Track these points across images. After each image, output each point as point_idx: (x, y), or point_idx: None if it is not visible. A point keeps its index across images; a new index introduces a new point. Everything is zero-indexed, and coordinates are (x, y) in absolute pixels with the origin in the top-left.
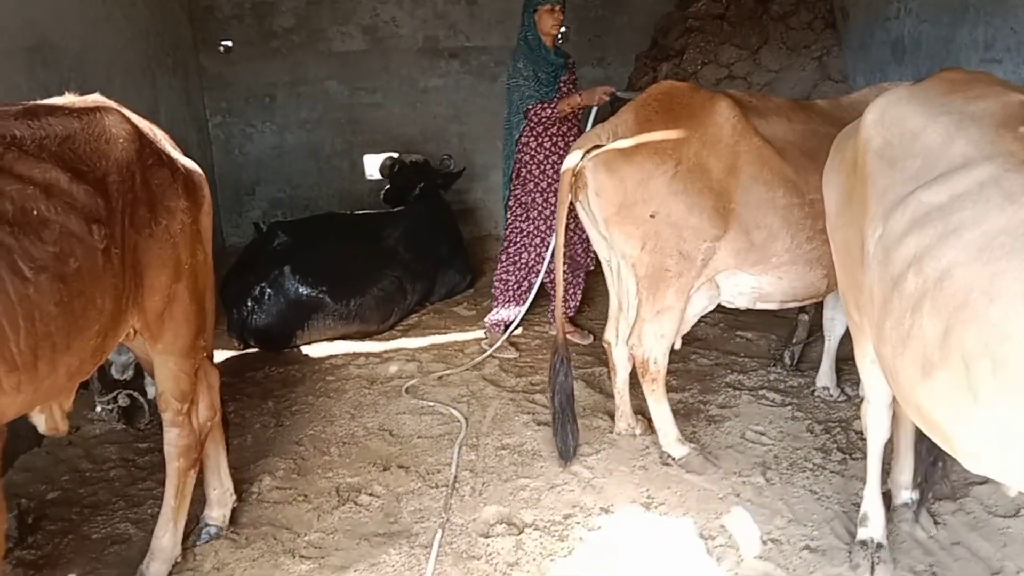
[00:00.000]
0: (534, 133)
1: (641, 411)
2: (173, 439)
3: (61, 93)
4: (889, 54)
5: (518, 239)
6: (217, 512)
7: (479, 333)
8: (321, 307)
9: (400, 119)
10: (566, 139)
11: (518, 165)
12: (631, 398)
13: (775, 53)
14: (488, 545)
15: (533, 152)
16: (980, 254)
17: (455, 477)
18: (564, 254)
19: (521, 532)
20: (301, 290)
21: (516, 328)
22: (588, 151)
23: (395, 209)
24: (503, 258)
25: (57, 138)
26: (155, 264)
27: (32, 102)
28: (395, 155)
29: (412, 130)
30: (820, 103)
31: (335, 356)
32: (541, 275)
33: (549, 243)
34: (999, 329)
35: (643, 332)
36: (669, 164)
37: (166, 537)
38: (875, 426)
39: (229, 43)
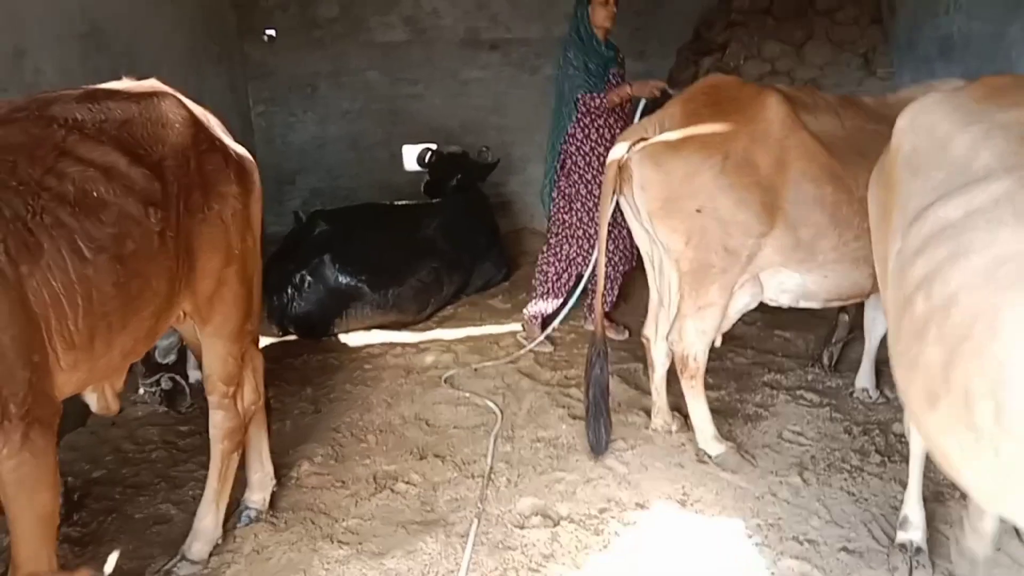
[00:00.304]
0: (581, 124)
1: (677, 408)
2: (219, 421)
3: (113, 79)
4: (937, 51)
5: (560, 231)
6: (257, 495)
7: (514, 326)
8: (360, 296)
9: (440, 111)
10: (613, 131)
11: (564, 156)
12: (668, 395)
13: (820, 49)
14: (524, 536)
15: (580, 143)
16: (987, 281)
17: (491, 468)
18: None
19: (557, 524)
20: (340, 279)
21: (556, 322)
22: (634, 143)
23: (434, 200)
24: (544, 250)
25: (116, 122)
26: (207, 248)
27: (92, 86)
28: (433, 146)
29: (452, 122)
30: (868, 99)
31: (372, 345)
32: (587, 270)
33: (592, 236)
34: (1002, 369)
35: (684, 328)
36: (716, 158)
37: (208, 518)
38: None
39: (273, 32)
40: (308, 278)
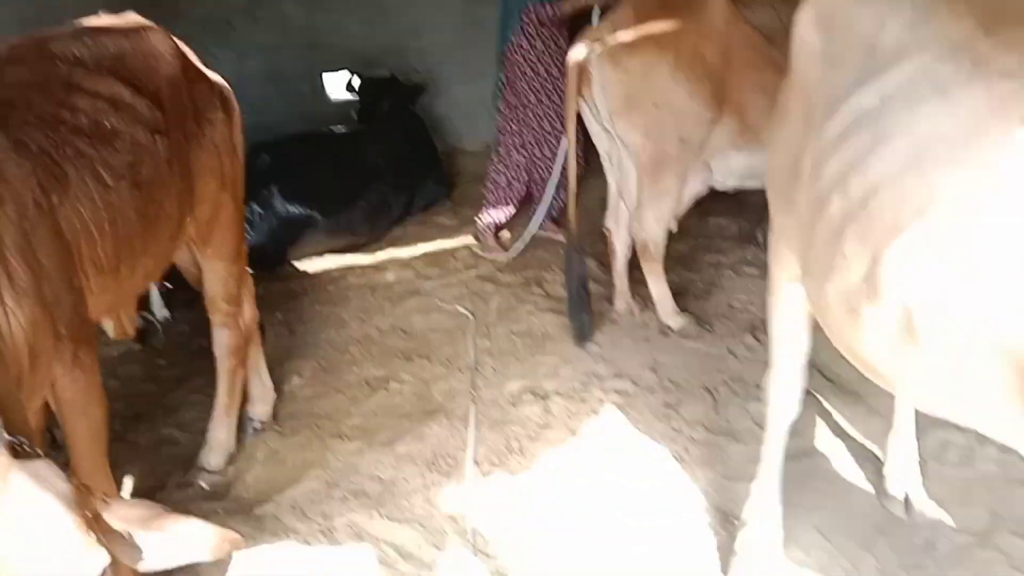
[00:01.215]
0: (526, 34)
1: (635, 292)
2: (223, 340)
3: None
4: None
5: (509, 140)
6: (260, 408)
7: (465, 239)
8: (311, 223)
9: (359, 38)
10: (558, 42)
11: (509, 66)
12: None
13: None
14: (518, 412)
15: (526, 52)
16: (911, 166)
17: (476, 360)
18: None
19: (546, 399)
20: (290, 208)
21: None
22: (592, 46)
23: (373, 126)
24: (494, 159)
25: (112, 56)
26: (204, 173)
27: (80, 23)
28: (355, 76)
29: (372, 47)
30: None
31: (330, 269)
32: (548, 176)
33: (541, 143)
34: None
35: (643, 216)
36: (669, 55)
37: (222, 430)
38: (779, 400)
39: None
40: (258, 210)
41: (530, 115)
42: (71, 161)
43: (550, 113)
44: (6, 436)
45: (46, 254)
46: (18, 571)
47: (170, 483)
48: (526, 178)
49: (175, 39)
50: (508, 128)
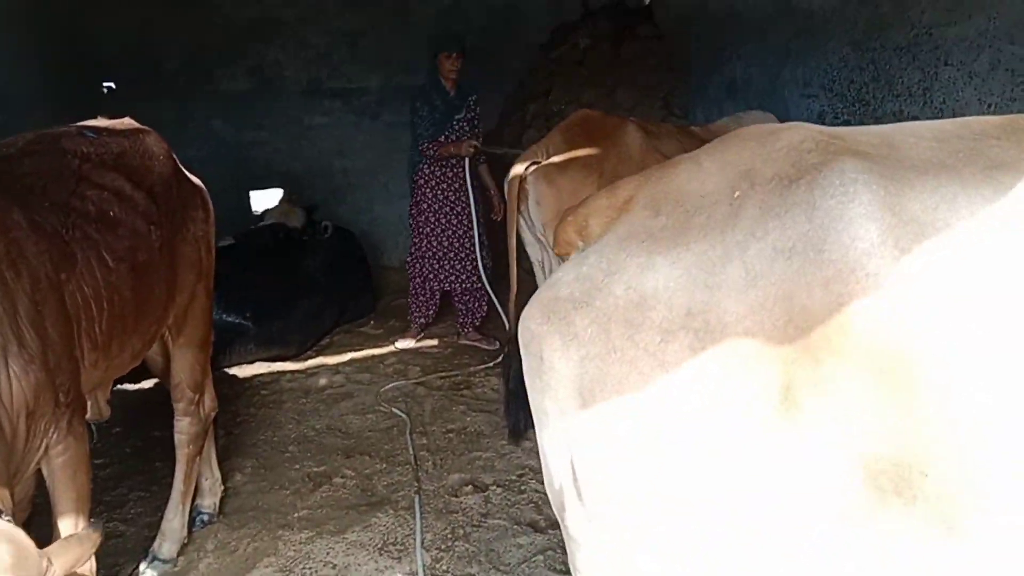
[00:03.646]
0: (427, 163)
1: None
2: (184, 427)
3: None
4: (725, 92)
5: (415, 253)
6: (208, 500)
7: (391, 347)
8: (244, 332)
9: (286, 156)
10: (454, 170)
11: (415, 189)
12: None
13: (628, 92)
14: (460, 502)
15: (427, 178)
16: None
17: (415, 456)
18: (472, 267)
19: (486, 490)
20: (225, 317)
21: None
22: (529, 166)
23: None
24: (410, 274)
25: (114, 154)
26: (184, 264)
27: (84, 124)
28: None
29: (297, 166)
30: (695, 128)
31: (262, 375)
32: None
33: (440, 258)
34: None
35: None
36: (594, 175)
37: (176, 519)
38: None
39: (112, 84)
40: None
41: (430, 232)
42: (79, 243)
43: (448, 231)
44: None
45: (53, 325)
46: None
47: (121, 574)
48: (431, 287)
49: (166, 143)
50: (414, 243)
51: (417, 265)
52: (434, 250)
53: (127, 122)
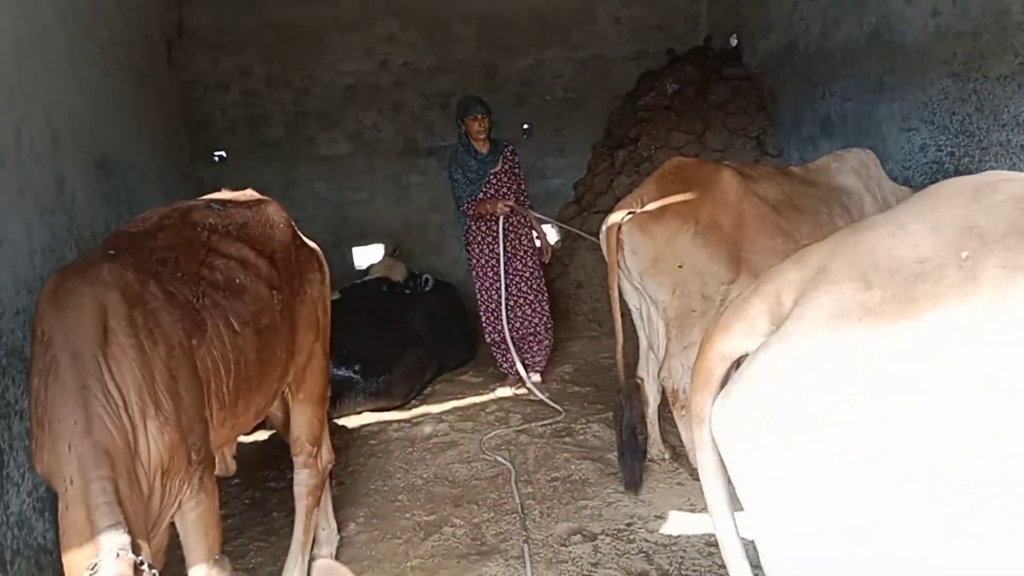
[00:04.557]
0: (472, 221)
1: (663, 439)
2: (304, 480)
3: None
4: (819, 130)
5: (482, 307)
6: (326, 550)
7: (491, 395)
8: (352, 385)
9: (384, 213)
10: (496, 226)
11: (467, 247)
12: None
13: (718, 136)
14: (570, 552)
15: (475, 234)
16: None
17: (521, 505)
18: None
19: (595, 540)
20: (335, 371)
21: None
22: (625, 215)
23: (418, 292)
24: (484, 327)
25: (238, 224)
26: (303, 325)
27: (210, 197)
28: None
29: (396, 223)
30: (794, 169)
31: (369, 424)
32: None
33: (487, 311)
34: None
35: (672, 366)
36: (690, 223)
37: (296, 569)
38: None
39: (223, 153)
40: None
41: (481, 287)
42: (209, 311)
43: (496, 284)
44: (131, 556)
45: (186, 389)
46: None
47: None
48: (488, 339)
49: (286, 211)
50: (480, 297)
51: (484, 317)
52: (495, 302)
53: (249, 193)
